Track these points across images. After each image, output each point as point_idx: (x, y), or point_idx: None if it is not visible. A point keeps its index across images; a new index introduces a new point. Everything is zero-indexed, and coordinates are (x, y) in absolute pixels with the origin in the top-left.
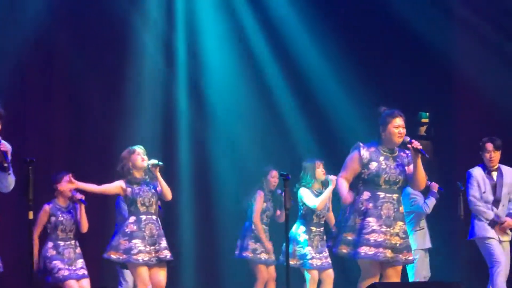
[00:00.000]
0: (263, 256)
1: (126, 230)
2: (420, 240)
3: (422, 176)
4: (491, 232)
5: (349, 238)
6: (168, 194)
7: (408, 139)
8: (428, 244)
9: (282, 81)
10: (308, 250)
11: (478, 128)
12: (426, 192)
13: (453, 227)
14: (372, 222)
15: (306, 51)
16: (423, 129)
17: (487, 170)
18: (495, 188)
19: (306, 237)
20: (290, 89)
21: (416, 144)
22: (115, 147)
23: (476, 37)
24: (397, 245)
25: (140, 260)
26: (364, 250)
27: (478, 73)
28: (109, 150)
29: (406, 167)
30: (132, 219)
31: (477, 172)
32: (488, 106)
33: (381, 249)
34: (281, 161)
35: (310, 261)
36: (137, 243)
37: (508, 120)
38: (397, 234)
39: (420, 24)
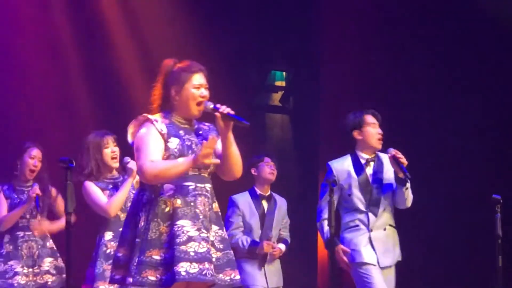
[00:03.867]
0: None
1: None
2: None
3: (236, 159)
4: None
5: (156, 257)
6: None
7: (211, 104)
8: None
9: None
10: None
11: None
12: None
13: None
14: (186, 226)
15: None
16: (277, 97)
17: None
18: None
19: None
20: None
21: (225, 109)
22: None
23: None
24: (214, 260)
25: None
26: (184, 267)
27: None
28: None
29: None
30: None
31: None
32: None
33: (206, 264)
34: None
35: None
36: None
37: None
38: (213, 244)
39: None
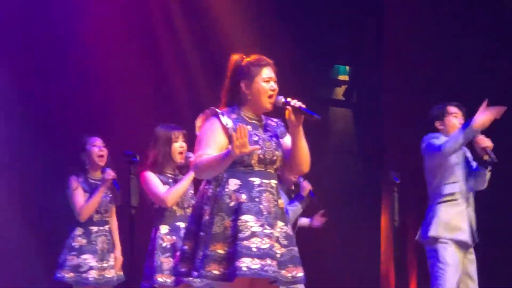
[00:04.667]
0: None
1: None
2: None
3: (305, 153)
4: None
5: (220, 251)
6: None
7: (282, 98)
8: None
9: None
10: None
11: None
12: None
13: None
14: (250, 221)
15: None
16: (340, 91)
17: None
18: None
19: None
20: None
21: (296, 102)
22: None
23: None
24: (278, 255)
25: None
26: (246, 263)
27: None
28: None
29: (281, 140)
30: None
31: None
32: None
33: (268, 260)
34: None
35: None
36: None
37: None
38: (277, 240)
39: None
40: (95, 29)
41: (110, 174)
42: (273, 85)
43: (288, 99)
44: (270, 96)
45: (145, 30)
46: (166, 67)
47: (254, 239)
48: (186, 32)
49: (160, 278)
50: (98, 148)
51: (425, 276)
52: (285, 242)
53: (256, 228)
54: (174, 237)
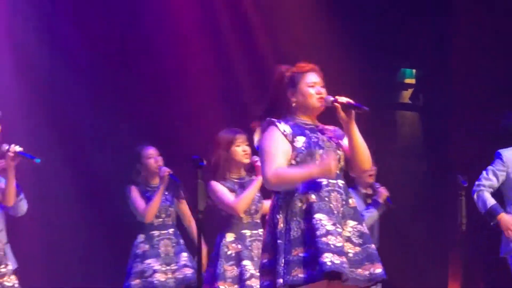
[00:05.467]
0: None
1: None
2: None
3: (363, 150)
4: None
5: (302, 254)
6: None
7: (330, 97)
8: None
9: None
10: None
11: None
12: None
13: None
14: (323, 220)
15: None
16: (407, 95)
17: None
18: None
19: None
20: None
21: (343, 98)
22: None
23: None
24: (351, 255)
25: None
26: (328, 258)
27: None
28: None
29: (340, 141)
30: None
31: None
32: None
33: (344, 258)
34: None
35: None
36: None
37: None
38: (349, 239)
39: None
40: (160, 37)
41: (165, 170)
42: (319, 89)
43: (336, 97)
44: (317, 99)
45: (209, 33)
46: (231, 71)
47: (329, 237)
48: (252, 37)
49: (222, 286)
50: (154, 159)
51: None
52: (359, 241)
53: (330, 226)
54: (239, 246)
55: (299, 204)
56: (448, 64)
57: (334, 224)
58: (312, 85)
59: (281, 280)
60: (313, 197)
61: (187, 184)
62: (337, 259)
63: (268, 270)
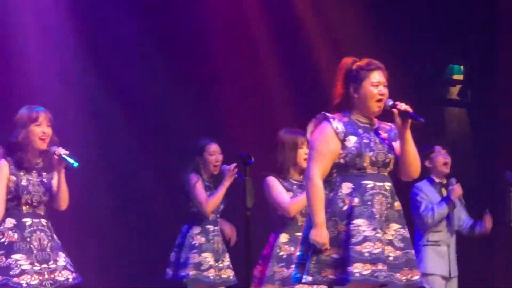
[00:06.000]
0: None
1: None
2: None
3: (413, 158)
4: None
5: (334, 256)
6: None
7: (390, 101)
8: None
9: None
10: None
11: None
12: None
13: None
14: (362, 226)
15: None
16: (455, 91)
17: None
18: None
19: None
20: None
21: (402, 105)
22: None
23: None
24: (391, 258)
25: None
26: (358, 268)
27: None
28: None
29: (393, 143)
30: None
31: None
32: None
33: (380, 266)
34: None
35: None
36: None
37: None
38: (391, 243)
39: None
40: (211, 35)
41: (232, 167)
42: (382, 89)
43: (396, 103)
44: (378, 100)
45: (258, 33)
46: (279, 70)
47: (366, 244)
48: (299, 35)
49: None
50: (215, 157)
51: None
52: (401, 245)
53: (369, 232)
54: (292, 248)
55: (341, 205)
56: (496, 60)
57: (374, 229)
58: (376, 85)
59: (310, 278)
60: (356, 200)
61: (234, 181)
62: (366, 270)
63: (299, 263)
